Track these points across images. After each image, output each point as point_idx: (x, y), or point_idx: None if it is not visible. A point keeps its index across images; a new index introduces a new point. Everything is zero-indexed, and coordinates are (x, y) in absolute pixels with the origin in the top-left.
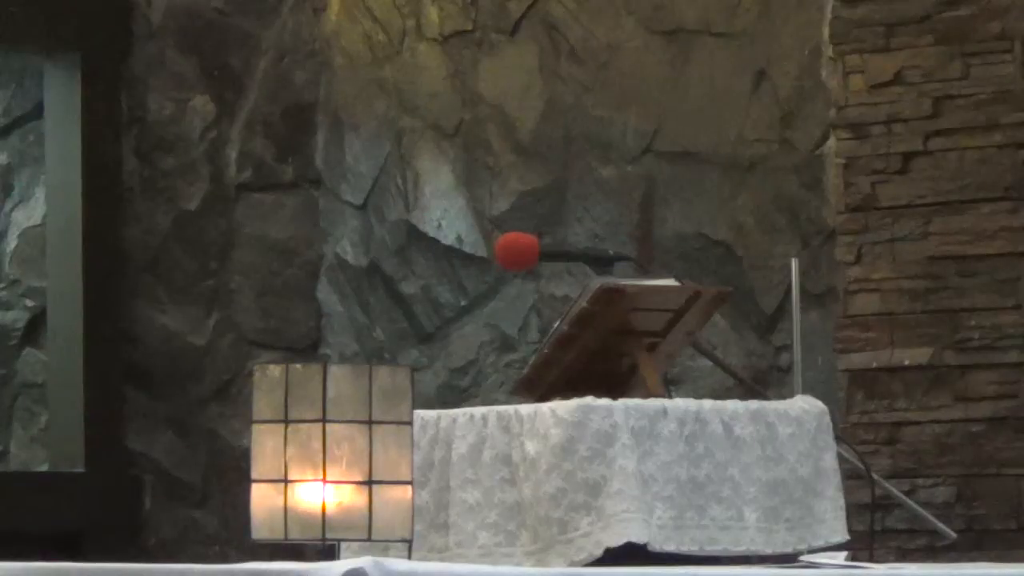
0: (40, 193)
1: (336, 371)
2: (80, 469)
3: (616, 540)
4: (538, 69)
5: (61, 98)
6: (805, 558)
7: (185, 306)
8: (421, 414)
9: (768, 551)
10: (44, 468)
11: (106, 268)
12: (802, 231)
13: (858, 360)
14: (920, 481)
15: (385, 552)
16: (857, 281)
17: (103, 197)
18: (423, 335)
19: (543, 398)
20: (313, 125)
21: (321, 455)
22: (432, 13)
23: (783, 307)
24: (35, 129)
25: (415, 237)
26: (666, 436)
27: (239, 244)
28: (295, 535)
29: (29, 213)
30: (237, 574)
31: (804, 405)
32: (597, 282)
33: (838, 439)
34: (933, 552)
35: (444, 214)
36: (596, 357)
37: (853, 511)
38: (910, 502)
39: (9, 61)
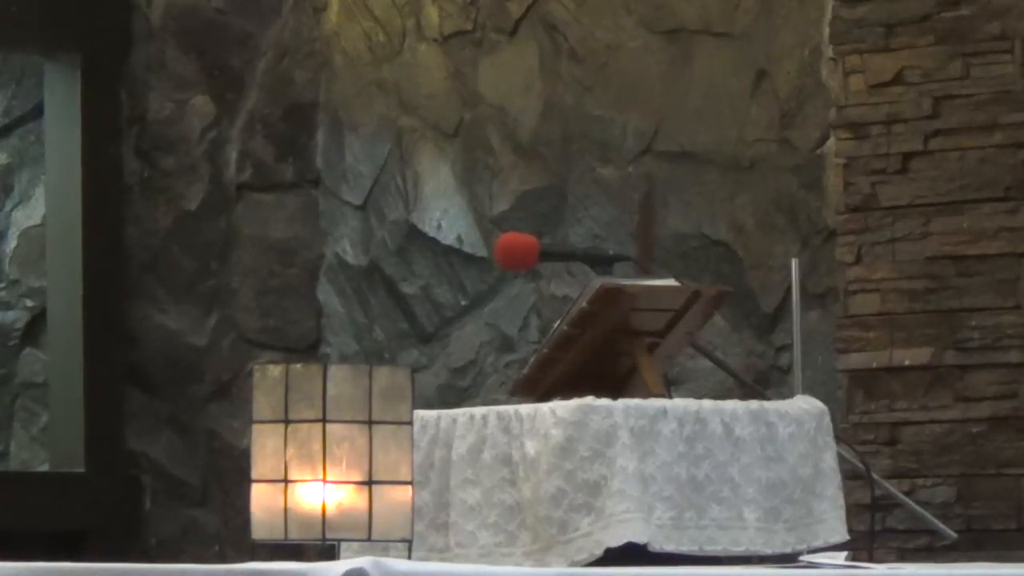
0: (40, 193)
1: (336, 371)
2: (80, 469)
3: (616, 540)
4: (538, 69)
5: (61, 98)
6: (805, 558)
7: (185, 306)
8: (421, 414)
9: (768, 551)
10: (44, 468)
11: (106, 268)
12: (802, 231)
13: (858, 360)
14: (920, 481)
15: (385, 552)
16: (857, 281)
17: (103, 197)
18: (423, 335)
19: (543, 398)
20: (313, 125)
21: (321, 455)
22: (432, 13)
23: (783, 307)
24: (35, 129)
25: (415, 237)
26: (666, 436)
27: (239, 244)
28: (295, 535)
29: (29, 213)
30: (237, 574)
31: (804, 405)
32: (597, 282)
33: (838, 439)
34: (933, 552)
35: (444, 214)
36: (596, 357)
37: (853, 511)
38: (910, 502)
39: (9, 61)
